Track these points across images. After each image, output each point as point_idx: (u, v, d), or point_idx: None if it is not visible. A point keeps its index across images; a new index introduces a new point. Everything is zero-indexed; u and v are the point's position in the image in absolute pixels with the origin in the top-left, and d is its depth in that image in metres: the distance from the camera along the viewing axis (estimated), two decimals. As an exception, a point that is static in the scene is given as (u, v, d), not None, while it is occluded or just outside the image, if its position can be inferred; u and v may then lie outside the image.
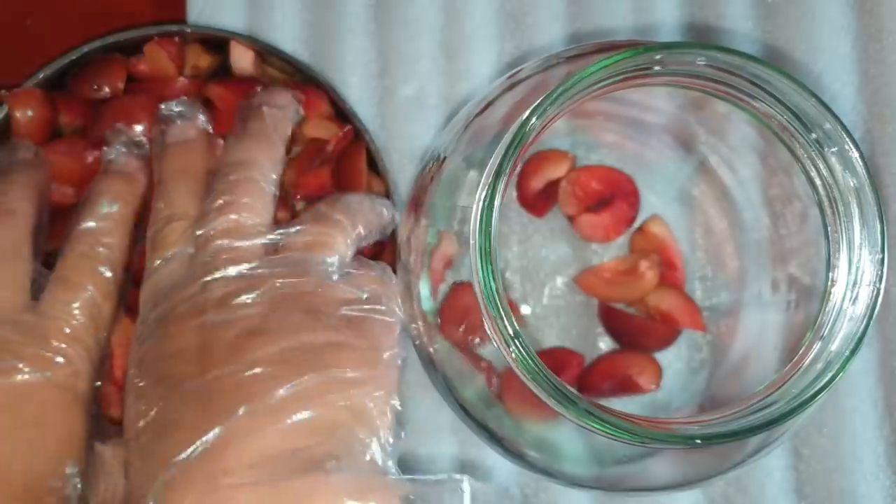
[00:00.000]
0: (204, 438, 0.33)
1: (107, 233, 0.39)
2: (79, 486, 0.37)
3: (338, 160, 0.43)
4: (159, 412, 0.34)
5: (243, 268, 0.37)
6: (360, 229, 0.39)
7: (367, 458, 0.34)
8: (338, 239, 0.38)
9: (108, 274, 0.39)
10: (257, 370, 0.34)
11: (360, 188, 0.42)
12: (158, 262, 0.38)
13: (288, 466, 0.33)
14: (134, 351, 0.37)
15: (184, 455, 0.33)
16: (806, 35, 0.47)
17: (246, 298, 0.36)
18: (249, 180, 0.39)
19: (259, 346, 0.35)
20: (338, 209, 0.39)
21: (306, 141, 0.43)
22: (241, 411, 0.33)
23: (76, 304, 0.38)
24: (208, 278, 0.37)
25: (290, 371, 0.34)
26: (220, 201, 0.38)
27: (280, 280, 0.36)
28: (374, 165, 0.43)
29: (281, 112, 0.41)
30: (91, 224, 0.39)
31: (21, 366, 0.36)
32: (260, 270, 0.37)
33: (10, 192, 0.40)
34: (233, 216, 0.38)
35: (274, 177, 0.39)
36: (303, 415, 0.34)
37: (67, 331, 0.37)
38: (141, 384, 0.36)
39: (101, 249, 0.39)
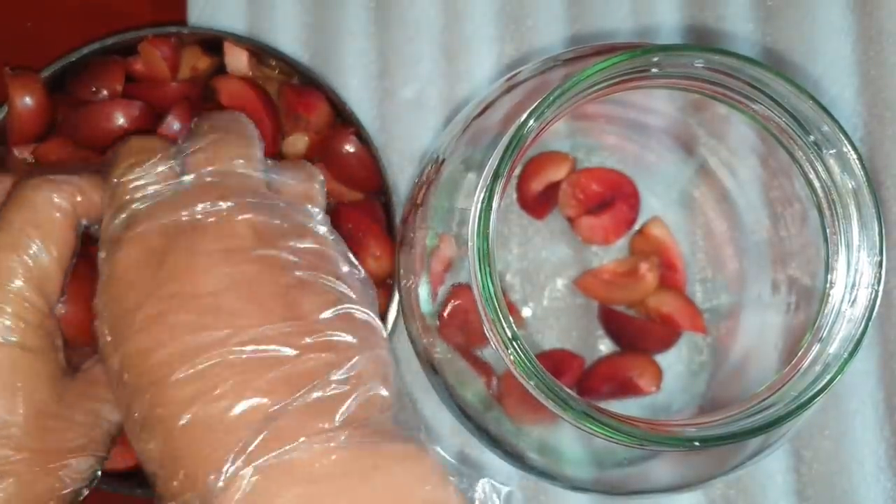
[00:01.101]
0: (287, 400, 0.31)
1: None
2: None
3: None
4: (222, 361, 0.31)
5: (277, 201, 0.35)
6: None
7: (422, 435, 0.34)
8: (317, 187, 0.38)
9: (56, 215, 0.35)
10: (337, 337, 0.33)
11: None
12: (129, 165, 0.35)
13: (374, 433, 0.32)
14: (120, 260, 0.33)
15: (266, 418, 0.31)
16: (806, 38, 0.47)
17: (292, 243, 0.34)
18: (237, 119, 0.37)
19: (316, 306, 0.33)
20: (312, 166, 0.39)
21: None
22: (332, 377, 0.32)
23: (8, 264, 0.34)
24: (228, 202, 0.34)
25: (352, 335, 0.33)
26: (208, 124, 0.36)
27: (306, 228, 0.35)
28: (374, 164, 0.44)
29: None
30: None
31: None
32: (283, 205, 0.35)
33: None
34: (234, 142, 0.36)
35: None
36: (368, 388, 0.33)
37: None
38: (160, 307, 0.32)
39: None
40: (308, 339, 0.32)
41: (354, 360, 0.33)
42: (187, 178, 0.35)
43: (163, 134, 0.41)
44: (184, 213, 0.34)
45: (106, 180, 0.36)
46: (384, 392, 0.33)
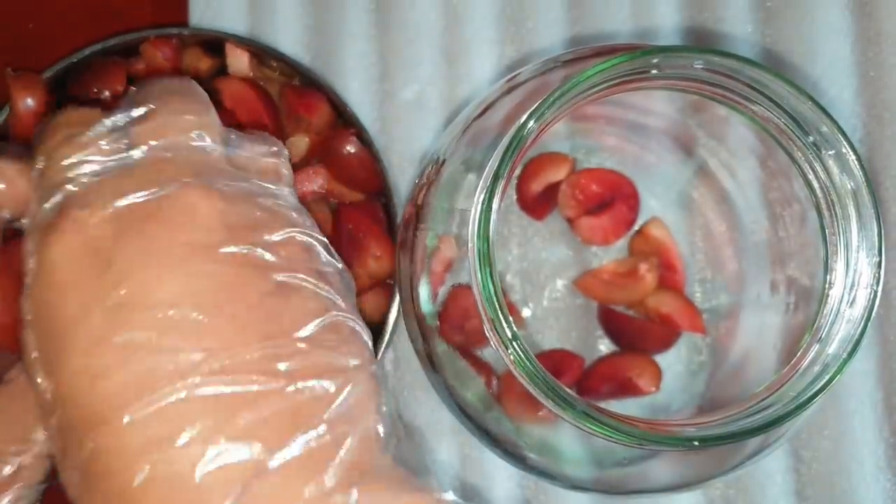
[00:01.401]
0: (272, 450, 0.26)
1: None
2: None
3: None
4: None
5: (244, 182, 0.30)
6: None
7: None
8: (283, 161, 0.34)
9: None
10: (326, 357, 0.28)
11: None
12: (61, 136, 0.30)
13: (379, 484, 0.27)
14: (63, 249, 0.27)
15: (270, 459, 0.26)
16: (805, 39, 0.48)
17: (267, 236, 0.28)
18: (187, 83, 0.32)
19: (298, 317, 0.28)
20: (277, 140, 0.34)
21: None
22: (323, 416, 0.27)
23: None
24: (187, 183, 0.28)
25: (341, 354, 0.29)
26: (153, 89, 0.31)
27: (287, 217, 0.30)
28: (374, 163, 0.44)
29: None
30: None
31: None
32: (255, 189, 0.30)
33: None
34: (188, 109, 0.30)
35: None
36: (362, 425, 0.29)
37: None
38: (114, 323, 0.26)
39: None
40: (292, 364, 0.27)
41: (347, 390, 0.28)
42: (135, 152, 0.29)
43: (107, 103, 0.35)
44: (133, 197, 0.27)
45: (34, 160, 0.30)
46: (380, 427, 0.29)
